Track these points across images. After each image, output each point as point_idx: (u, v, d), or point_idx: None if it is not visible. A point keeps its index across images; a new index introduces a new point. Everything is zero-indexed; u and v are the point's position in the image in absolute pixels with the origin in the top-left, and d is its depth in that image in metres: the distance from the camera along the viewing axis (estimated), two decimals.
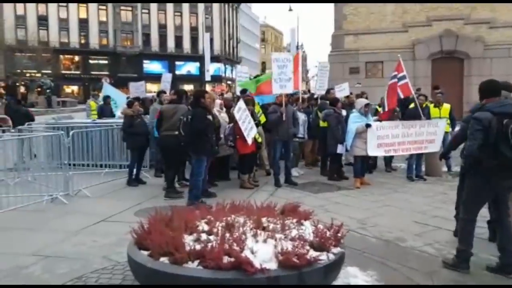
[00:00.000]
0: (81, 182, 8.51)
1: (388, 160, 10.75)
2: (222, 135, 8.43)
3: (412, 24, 23.69)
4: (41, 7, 58.27)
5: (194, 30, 66.33)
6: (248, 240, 3.74)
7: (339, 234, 4.09)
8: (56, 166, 8.63)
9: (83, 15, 60.76)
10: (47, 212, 7.10)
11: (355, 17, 24.59)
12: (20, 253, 5.24)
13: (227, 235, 3.80)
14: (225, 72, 71.89)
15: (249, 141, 8.21)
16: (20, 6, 57.18)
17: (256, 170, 9.60)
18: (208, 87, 47.48)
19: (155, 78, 49.96)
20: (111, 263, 4.92)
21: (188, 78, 61.29)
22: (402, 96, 9.73)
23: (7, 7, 56.51)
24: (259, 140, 8.94)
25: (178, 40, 66.42)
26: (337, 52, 24.83)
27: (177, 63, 64.33)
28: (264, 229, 4.06)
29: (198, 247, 3.66)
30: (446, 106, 10.35)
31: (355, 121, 8.98)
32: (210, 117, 7.17)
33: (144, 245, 3.96)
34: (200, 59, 57.86)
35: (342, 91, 11.29)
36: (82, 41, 61.28)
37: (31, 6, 57.60)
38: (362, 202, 7.74)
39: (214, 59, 56.78)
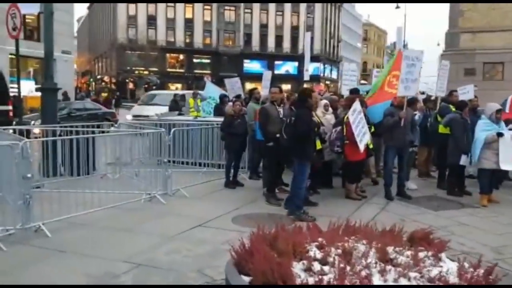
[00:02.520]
0: (179, 181, 8.21)
1: None
2: (326, 139, 7.66)
3: None
4: (151, 7, 61.30)
5: (295, 29, 66.03)
6: (374, 278, 2.97)
7: (491, 277, 3.16)
8: (156, 162, 8.47)
9: (189, 15, 62.95)
10: (144, 212, 6.84)
11: (473, 13, 22.36)
12: (113, 258, 4.92)
13: (347, 267, 3.06)
14: (323, 72, 70.71)
15: (362, 147, 7.35)
16: (132, 7, 60.64)
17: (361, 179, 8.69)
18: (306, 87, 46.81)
19: (255, 77, 50.43)
20: (205, 279, 4.42)
21: (286, 78, 60.98)
22: None
23: (121, 8, 60.27)
24: (371, 146, 8.02)
25: (278, 40, 66.50)
26: (451, 52, 22.78)
27: (276, 62, 64.33)
28: (391, 262, 3.26)
29: (310, 280, 2.95)
30: None
31: (484, 129, 7.73)
32: (315, 118, 6.45)
33: (244, 268, 3.34)
34: (299, 58, 57.32)
35: (465, 94, 9.95)
36: (187, 40, 63.53)
37: (142, 6, 60.84)
38: (492, 224, 6.56)
39: (314, 58, 55.74)
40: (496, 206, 7.69)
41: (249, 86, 49.28)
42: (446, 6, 24.41)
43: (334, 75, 77.66)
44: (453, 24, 23.09)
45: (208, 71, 58.24)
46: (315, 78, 58.88)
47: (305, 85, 34.62)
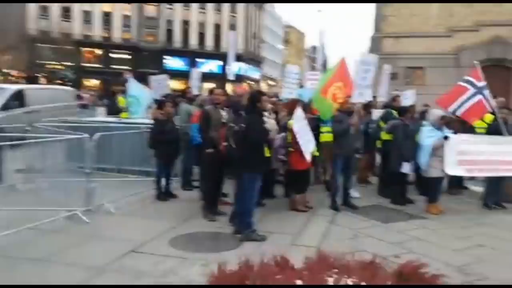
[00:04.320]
0: (103, 193, 7.13)
1: (456, 180, 9.22)
2: None
3: (458, 29, 21.98)
4: None
5: (218, 27, 65.35)
6: None
7: None
8: (74, 170, 7.39)
9: (107, 8, 59.99)
10: (64, 234, 5.81)
11: (396, 18, 22.98)
12: None
13: None
14: (246, 72, 70.69)
15: (308, 157, 6.80)
16: None
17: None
18: (229, 86, 46.33)
19: (177, 74, 48.98)
20: None
21: (209, 76, 59.93)
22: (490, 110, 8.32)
23: None
24: (316, 154, 7.53)
25: (201, 37, 65.42)
26: (375, 56, 23.22)
27: (199, 60, 63.04)
28: None
29: None
30: None
31: (429, 136, 7.55)
32: (267, 125, 5.80)
33: None
34: (223, 57, 56.42)
35: (406, 100, 9.82)
36: (105, 35, 60.53)
37: None
38: (446, 238, 6.29)
39: (237, 58, 55.35)
40: (442, 216, 7.48)
41: (171, 84, 47.90)
42: (363, 11, 24.97)
43: (257, 76, 78.01)
44: (377, 28, 23.59)
45: (127, 67, 55.80)
46: (238, 78, 58.56)
47: (227, 85, 33.98)
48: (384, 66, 11.13)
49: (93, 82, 60.38)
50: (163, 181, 7.90)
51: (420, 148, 7.67)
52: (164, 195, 7.82)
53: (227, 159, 6.09)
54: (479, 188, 9.33)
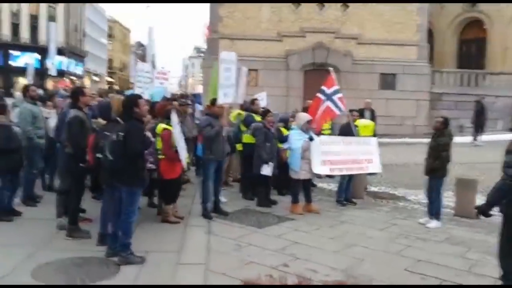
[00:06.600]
0: None
1: None
2: None
3: (287, 34, 23.52)
4: None
5: (34, 18, 59.33)
6: None
7: None
8: None
9: None
10: None
11: (230, 20, 23.57)
12: None
13: None
14: (68, 67, 65.64)
15: (185, 164, 6.35)
16: None
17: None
18: (49, 82, 42.31)
19: None
20: None
21: (25, 71, 54.10)
22: (338, 113, 8.85)
23: None
24: (188, 160, 7.14)
25: (15, 28, 58.58)
26: (213, 57, 23.48)
27: (13, 53, 56.52)
28: None
29: None
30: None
31: (297, 139, 7.79)
32: (149, 133, 5.22)
33: None
34: (41, 50, 51.58)
35: (260, 101, 9.90)
36: None
37: None
38: (321, 240, 6.45)
39: (58, 52, 51.04)
40: (306, 215, 7.74)
41: None
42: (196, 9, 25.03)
43: (79, 71, 72.95)
44: (214, 29, 23.88)
45: None
46: (60, 73, 54.00)
47: (49, 80, 30.54)
48: (242, 68, 11.18)
49: None
50: (5, 196, 6.63)
51: (291, 151, 7.88)
52: (7, 213, 6.57)
53: (97, 171, 5.35)
54: (325, 185, 10.04)
